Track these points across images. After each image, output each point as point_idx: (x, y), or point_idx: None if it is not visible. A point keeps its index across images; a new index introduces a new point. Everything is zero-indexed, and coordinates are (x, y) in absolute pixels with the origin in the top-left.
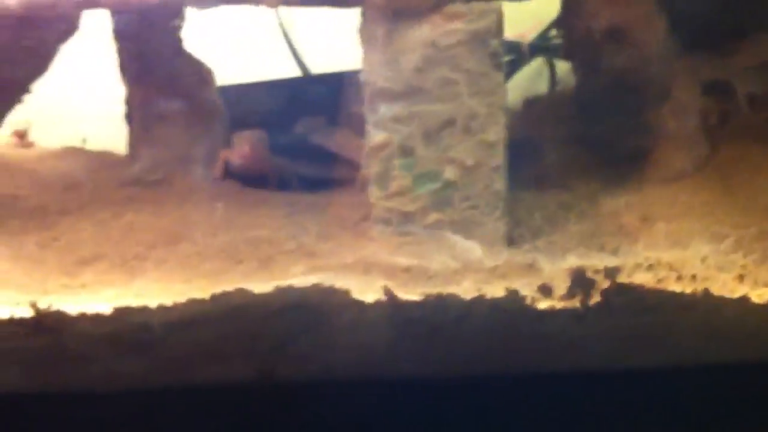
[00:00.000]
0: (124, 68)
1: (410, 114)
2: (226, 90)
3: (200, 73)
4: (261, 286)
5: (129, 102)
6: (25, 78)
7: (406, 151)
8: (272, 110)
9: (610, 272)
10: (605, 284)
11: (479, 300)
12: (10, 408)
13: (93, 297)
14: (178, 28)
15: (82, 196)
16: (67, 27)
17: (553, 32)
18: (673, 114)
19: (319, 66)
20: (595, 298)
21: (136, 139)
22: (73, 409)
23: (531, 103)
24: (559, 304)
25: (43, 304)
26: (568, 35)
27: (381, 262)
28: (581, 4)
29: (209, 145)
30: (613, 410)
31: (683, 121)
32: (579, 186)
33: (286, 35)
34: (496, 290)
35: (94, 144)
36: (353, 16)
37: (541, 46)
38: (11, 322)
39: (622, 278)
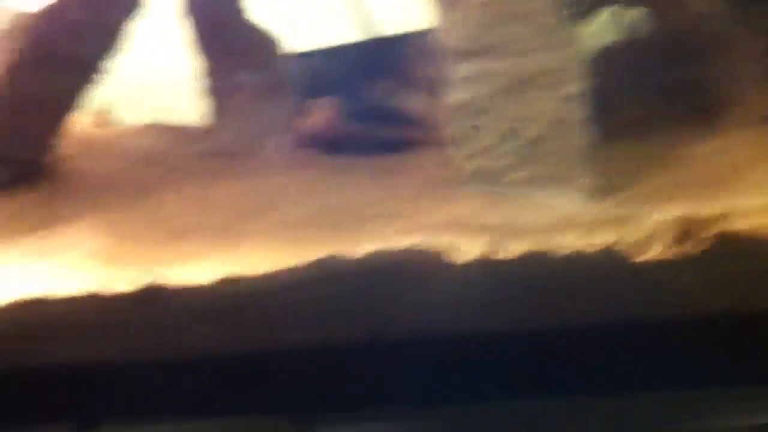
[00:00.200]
0: (196, 42)
1: (488, 71)
2: (297, 58)
3: (271, 42)
4: (355, 250)
5: (203, 75)
6: (97, 55)
7: (486, 110)
8: (343, 76)
9: (711, 219)
10: (707, 233)
11: (577, 255)
12: (116, 380)
13: (192, 269)
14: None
15: (166, 171)
16: (131, 3)
17: None
18: (754, 56)
19: (387, 28)
20: (699, 248)
21: (212, 112)
22: (176, 379)
23: (607, 53)
24: (660, 256)
25: (146, 278)
26: None
27: (471, 221)
28: None
29: (284, 114)
30: (720, 358)
31: (755, 66)
32: (661, 135)
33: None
34: (593, 244)
35: (175, 119)
36: None
37: None
38: (117, 296)
39: (724, 226)
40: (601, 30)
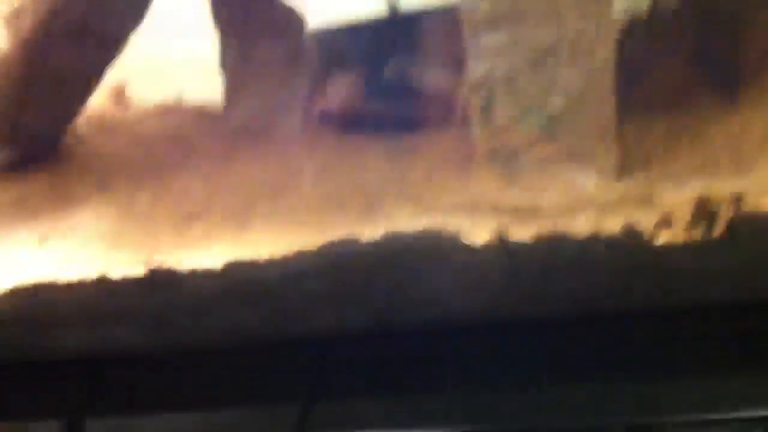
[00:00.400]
0: (217, 18)
1: (513, 42)
2: (318, 34)
3: (292, 18)
4: (369, 232)
5: (223, 52)
6: (121, 30)
7: (510, 83)
8: (366, 52)
9: (735, 198)
10: (729, 213)
11: (595, 238)
12: (126, 363)
13: (204, 252)
14: None
15: (183, 151)
16: None
17: None
18: None
19: (410, 4)
20: (720, 228)
21: (231, 90)
22: (186, 364)
23: (636, 21)
24: (680, 237)
25: (155, 262)
26: None
27: (489, 200)
28: None
29: (305, 91)
30: (741, 342)
31: None
32: (691, 108)
33: None
34: (612, 225)
35: (191, 98)
36: None
37: None
38: (126, 280)
39: (747, 204)
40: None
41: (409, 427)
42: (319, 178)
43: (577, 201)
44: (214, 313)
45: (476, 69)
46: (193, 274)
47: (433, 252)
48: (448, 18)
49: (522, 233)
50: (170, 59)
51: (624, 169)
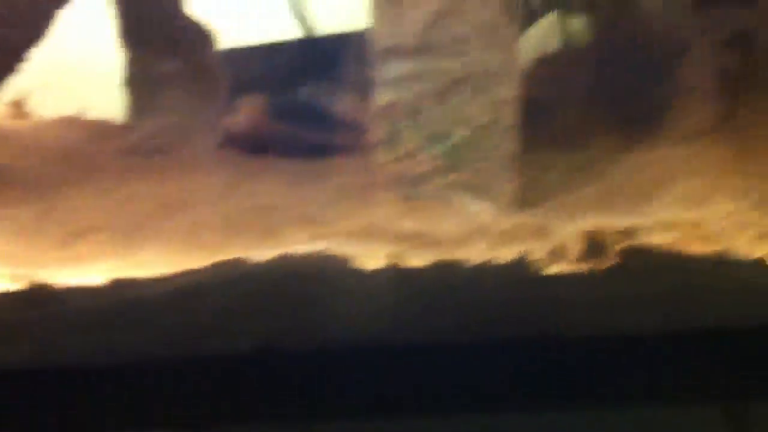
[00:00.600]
0: (123, 32)
1: (420, 72)
2: (228, 53)
3: (202, 36)
4: (261, 255)
5: (128, 67)
6: (22, 43)
7: (415, 111)
8: (276, 74)
9: (625, 233)
10: (620, 246)
11: (488, 265)
12: (4, 382)
13: (89, 269)
14: None
15: (80, 167)
16: None
17: None
18: (691, 70)
19: (326, 27)
20: (610, 261)
21: (135, 106)
22: (67, 382)
23: (544, 61)
24: (571, 268)
25: (37, 278)
26: None
27: (388, 227)
28: None
29: (211, 111)
30: (627, 374)
31: (702, 77)
32: (594, 145)
33: None
34: (506, 254)
35: (94, 113)
36: None
37: (554, 1)
38: (5, 296)
39: (639, 239)
40: (542, 36)
41: None
42: (218, 199)
43: (474, 231)
44: (97, 332)
45: (383, 97)
46: (76, 292)
47: (323, 276)
48: (362, 43)
49: (416, 260)
50: (76, 72)
51: (522, 201)
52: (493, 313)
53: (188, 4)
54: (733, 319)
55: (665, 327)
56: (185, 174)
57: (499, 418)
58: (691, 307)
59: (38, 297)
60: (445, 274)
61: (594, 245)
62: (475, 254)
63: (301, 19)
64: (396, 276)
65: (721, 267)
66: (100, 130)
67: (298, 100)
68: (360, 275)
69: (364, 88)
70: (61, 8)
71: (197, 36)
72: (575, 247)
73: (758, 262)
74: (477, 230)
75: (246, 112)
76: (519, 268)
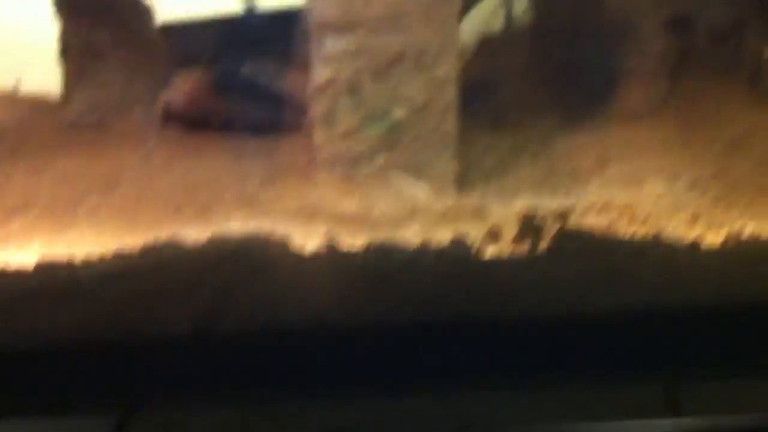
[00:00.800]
0: (58, 2)
1: (358, 48)
2: (168, 26)
3: (139, 8)
4: (196, 234)
5: (63, 40)
6: None
7: (353, 89)
8: (217, 49)
9: (561, 215)
10: (555, 228)
11: (425, 247)
12: None
13: (21, 248)
14: None
15: (12, 143)
16: None
17: None
18: (632, 51)
19: (269, 1)
20: (545, 243)
21: (71, 81)
22: None
23: (487, 41)
24: (507, 250)
25: None
26: None
27: (326, 207)
28: None
29: (149, 86)
30: (564, 356)
31: (642, 58)
32: (534, 126)
33: None
34: (443, 235)
35: (29, 87)
36: None
37: None
38: None
39: (573, 221)
40: (486, 16)
41: None
42: (155, 176)
43: (412, 211)
44: (27, 314)
45: (320, 74)
46: (4, 272)
47: (259, 257)
48: (305, 18)
49: (353, 241)
50: (8, 44)
51: (461, 182)
52: (430, 294)
53: None
54: (666, 299)
55: (600, 308)
56: (122, 150)
57: (439, 400)
58: (624, 288)
59: None
60: (381, 255)
61: (529, 227)
62: (412, 235)
63: None
64: (331, 257)
65: (654, 249)
66: (35, 105)
67: (239, 76)
68: (295, 255)
69: (305, 65)
70: None
71: (134, 8)
72: (511, 229)
73: (691, 244)
74: (414, 211)
75: (185, 87)
76: (455, 249)
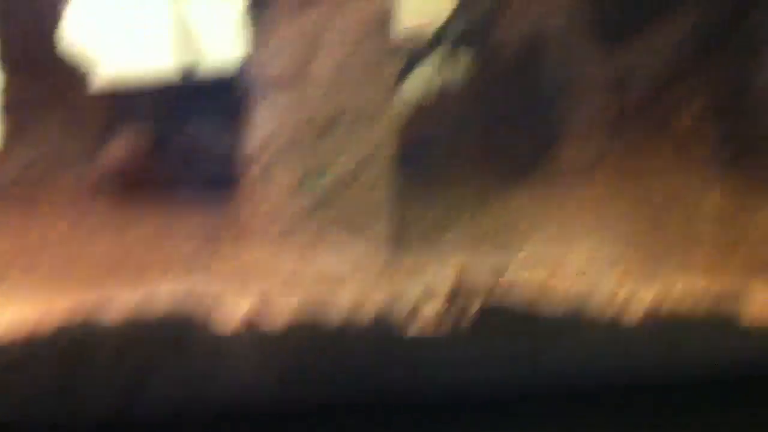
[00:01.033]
0: (2, 56)
1: (296, 107)
2: (108, 88)
3: (81, 66)
4: (127, 299)
5: (6, 92)
6: None
7: (292, 147)
8: (158, 109)
9: (495, 271)
10: (484, 295)
11: (358, 308)
12: None
13: None
14: (62, 11)
15: None
16: None
17: (456, 22)
18: (571, 108)
19: (213, 59)
20: (474, 311)
21: (10, 135)
22: None
23: (427, 101)
24: (441, 308)
25: None
26: (468, 26)
27: (260, 267)
28: None
29: (88, 144)
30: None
31: (579, 117)
32: (472, 184)
33: (178, 23)
34: (378, 296)
35: None
36: None
37: (443, 37)
38: None
39: (508, 276)
40: (428, 75)
41: None
42: (87, 238)
43: (347, 270)
44: None
45: (258, 132)
46: None
47: (188, 322)
48: (245, 76)
49: (287, 301)
50: None
51: (399, 240)
52: (365, 355)
53: (70, 32)
54: (601, 369)
55: (534, 369)
56: (53, 212)
57: None
58: (550, 358)
59: None
60: (314, 314)
61: (464, 287)
62: (347, 295)
63: (187, 51)
64: (264, 317)
65: (586, 308)
66: None
67: (179, 135)
68: (228, 319)
69: (246, 122)
70: None
71: (76, 65)
72: (445, 288)
73: (623, 297)
74: (350, 269)
75: (123, 146)
76: (390, 307)
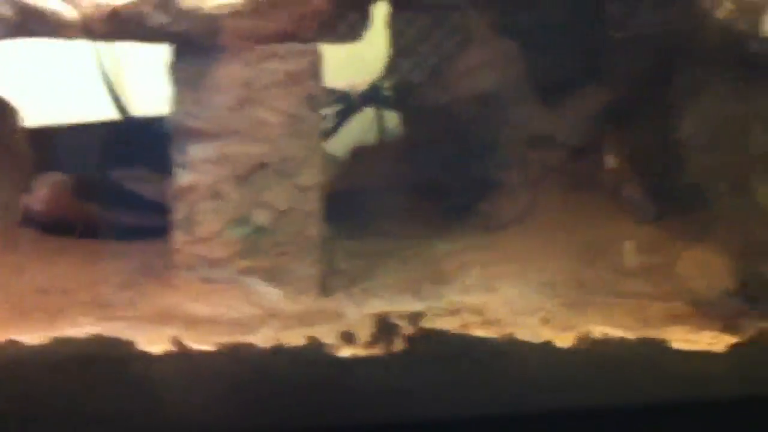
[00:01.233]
0: None
1: (221, 155)
2: (34, 131)
3: (5, 110)
4: (37, 338)
5: None
6: None
7: (214, 194)
8: (84, 154)
9: (414, 317)
10: (409, 330)
11: (277, 349)
12: None
13: None
14: None
15: None
16: None
17: (385, 82)
18: (498, 165)
19: (140, 109)
20: (399, 345)
21: None
22: None
23: (359, 152)
24: (362, 352)
25: None
26: (395, 85)
27: (181, 311)
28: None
29: (11, 188)
30: None
31: (508, 172)
32: (404, 234)
33: (104, 74)
34: (296, 338)
35: None
36: None
37: (371, 96)
38: None
39: (427, 323)
40: (359, 129)
41: None
42: (7, 279)
43: (266, 316)
44: None
45: (181, 179)
46: None
47: (103, 360)
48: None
49: (203, 345)
50: None
51: (322, 288)
52: (281, 398)
53: None
54: (521, 401)
55: (454, 412)
56: None
57: None
58: (478, 391)
59: None
60: (231, 358)
61: (383, 329)
62: (264, 339)
63: (115, 100)
64: (179, 361)
65: (506, 350)
66: None
67: (105, 181)
68: (145, 359)
69: (170, 171)
70: None
71: (1, 109)
72: (365, 331)
73: (542, 345)
74: (269, 315)
75: (46, 191)
76: (308, 351)
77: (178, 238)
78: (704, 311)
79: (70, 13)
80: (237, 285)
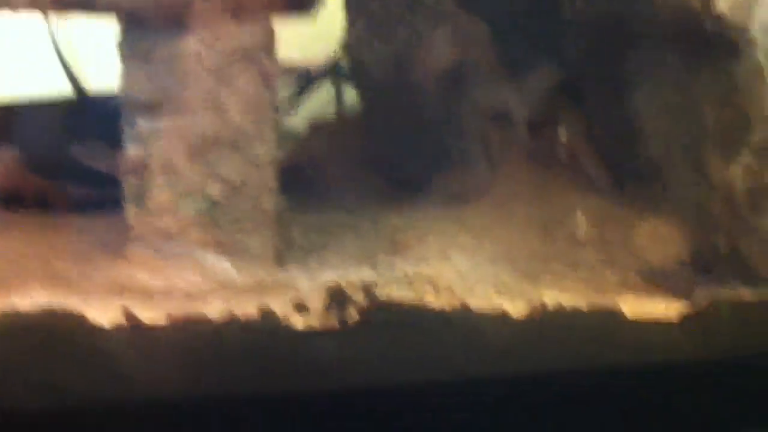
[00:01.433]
0: None
1: (172, 128)
2: None
3: None
4: None
5: None
6: None
7: (166, 168)
8: (39, 129)
9: (367, 287)
10: (362, 301)
11: (228, 320)
12: None
13: None
14: None
15: None
16: None
17: (343, 57)
18: (457, 139)
19: (95, 84)
20: (353, 315)
21: None
22: None
23: (317, 127)
24: (315, 322)
25: None
26: (354, 60)
27: (133, 284)
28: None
29: None
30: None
31: (466, 146)
32: (362, 207)
33: (57, 49)
34: (249, 309)
35: None
36: None
37: (329, 71)
38: None
39: (380, 293)
40: (320, 102)
41: None
42: None
43: (218, 287)
44: None
45: (132, 152)
46: None
47: (55, 333)
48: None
49: (156, 316)
50: None
51: (277, 260)
52: (234, 367)
53: None
54: (475, 370)
55: (410, 379)
56: None
57: None
58: (432, 360)
59: None
60: (183, 328)
61: (336, 299)
62: (216, 310)
63: (69, 75)
64: (130, 333)
65: (458, 319)
66: None
67: (60, 156)
68: (96, 331)
69: (122, 145)
70: None
71: None
72: (318, 302)
73: (495, 313)
74: (222, 287)
75: (1, 165)
76: (261, 322)
77: (131, 211)
78: (658, 281)
79: None
80: (190, 258)
